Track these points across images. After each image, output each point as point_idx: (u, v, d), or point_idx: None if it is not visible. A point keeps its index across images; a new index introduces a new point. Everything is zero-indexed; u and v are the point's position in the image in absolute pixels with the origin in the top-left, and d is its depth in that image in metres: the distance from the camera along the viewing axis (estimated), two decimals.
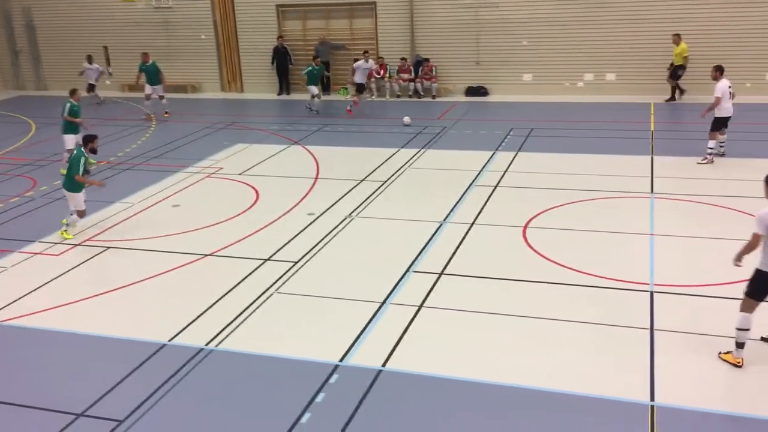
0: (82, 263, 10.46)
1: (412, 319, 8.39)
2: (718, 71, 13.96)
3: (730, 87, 13.87)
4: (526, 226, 11.11)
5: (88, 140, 11.57)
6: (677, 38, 19.79)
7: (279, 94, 24.03)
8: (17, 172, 15.34)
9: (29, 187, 14.26)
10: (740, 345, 7.09)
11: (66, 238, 11.28)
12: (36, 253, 10.85)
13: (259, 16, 23.90)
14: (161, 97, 20.94)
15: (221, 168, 15.14)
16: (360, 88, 20.28)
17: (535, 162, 14.75)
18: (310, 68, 20.54)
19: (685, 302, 8.55)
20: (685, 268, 9.41)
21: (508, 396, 6.90)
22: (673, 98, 20.27)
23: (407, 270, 9.71)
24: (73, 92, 14.96)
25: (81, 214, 11.51)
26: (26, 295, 9.43)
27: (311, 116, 20.40)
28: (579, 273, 9.40)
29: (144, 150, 16.96)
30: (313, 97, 20.62)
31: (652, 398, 6.72)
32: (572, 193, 12.52)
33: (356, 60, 20.60)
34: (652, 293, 8.76)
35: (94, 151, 11.60)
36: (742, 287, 7.46)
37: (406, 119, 18.28)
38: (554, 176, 13.63)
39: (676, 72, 19.99)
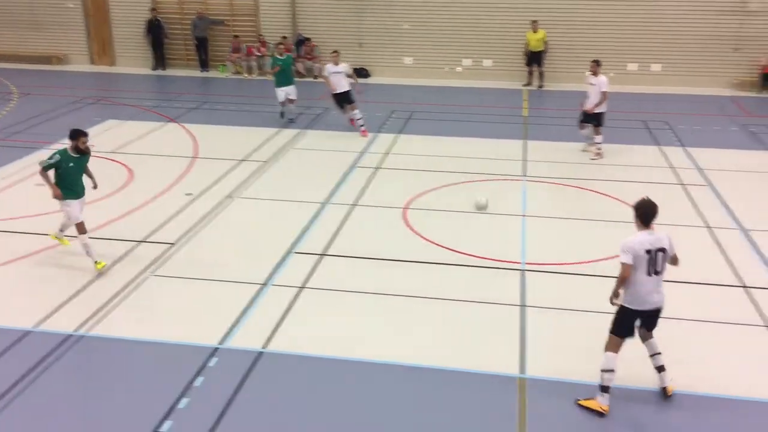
0: None
1: (294, 301, 8.37)
2: (598, 65, 13.90)
3: None
4: (406, 208, 11.32)
5: (77, 135, 8.96)
6: (536, 25, 20.65)
7: (154, 69, 23.05)
8: None
9: None
10: (605, 389, 6.55)
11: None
12: None
13: None
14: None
15: (92, 145, 14.31)
16: (344, 100, 15.27)
17: (416, 145, 15.01)
18: (273, 59, 15.94)
19: (554, 280, 9.03)
20: (553, 248, 9.92)
21: (388, 373, 7.05)
22: (541, 85, 21.16)
23: (288, 251, 9.66)
24: None
25: (66, 226, 9.31)
26: None
27: (190, 93, 19.73)
28: (456, 253, 9.70)
29: (4, 125, 15.82)
30: (288, 101, 15.87)
31: (522, 371, 7.08)
32: (451, 176, 12.86)
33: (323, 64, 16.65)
34: (523, 271, 9.19)
35: (81, 152, 9.01)
36: (607, 264, 7.94)
37: (482, 201, 10.66)
38: (434, 159, 13.94)
39: (540, 57, 20.85)
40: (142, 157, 13.73)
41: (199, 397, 6.60)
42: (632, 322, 6.58)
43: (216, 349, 7.36)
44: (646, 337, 6.76)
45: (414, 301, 8.44)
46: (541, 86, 21.13)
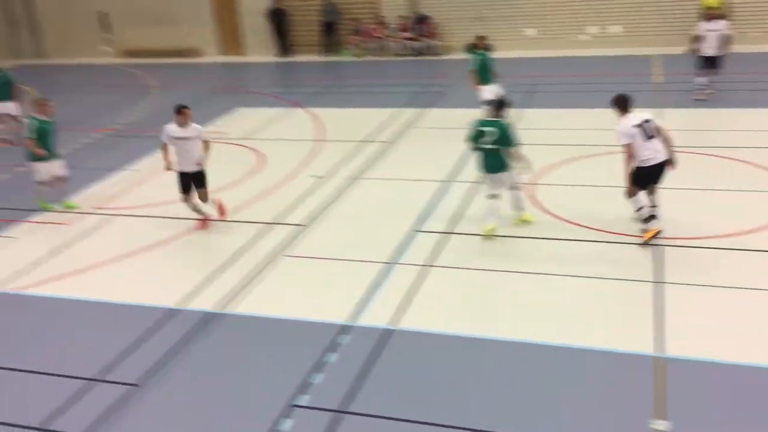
0: (93, 231, 10.50)
1: (421, 279, 8.43)
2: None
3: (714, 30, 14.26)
4: (532, 183, 11.07)
5: None
6: None
7: (279, 56, 23.78)
8: (21, 142, 15.28)
9: None
10: (648, 219, 8.62)
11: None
12: (45, 222, 10.90)
13: None
14: (15, 118, 14.83)
15: (224, 133, 15.07)
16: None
17: (541, 118, 14.62)
18: (475, 54, 13.84)
19: (690, 255, 8.54)
20: (688, 220, 9.38)
21: (520, 351, 6.95)
22: None
23: (414, 230, 9.72)
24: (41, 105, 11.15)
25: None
26: (40, 263, 9.49)
27: (315, 78, 20.18)
28: (584, 228, 9.39)
29: (146, 117, 16.90)
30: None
31: (659, 350, 6.77)
32: (578, 149, 12.44)
33: None
34: (656, 246, 8.76)
35: None
36: (750, 238, 7.45)
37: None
38: (560, 132, 13.54)
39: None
40: (271, 142, 14.25)
41: (332, 372, 6.81)
42: (646, 176, 8.55)
43: (347, 326, 7.55)
44: (653, 191, 8.84)
45: (543, 278, 8.26)
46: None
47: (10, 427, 6.38)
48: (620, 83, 16.99)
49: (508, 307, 7.76)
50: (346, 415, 6.20)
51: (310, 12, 23.36)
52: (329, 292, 8.34)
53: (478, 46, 13.86)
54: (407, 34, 22.38)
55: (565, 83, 17.47)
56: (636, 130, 8.33)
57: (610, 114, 14.29)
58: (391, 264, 8.83)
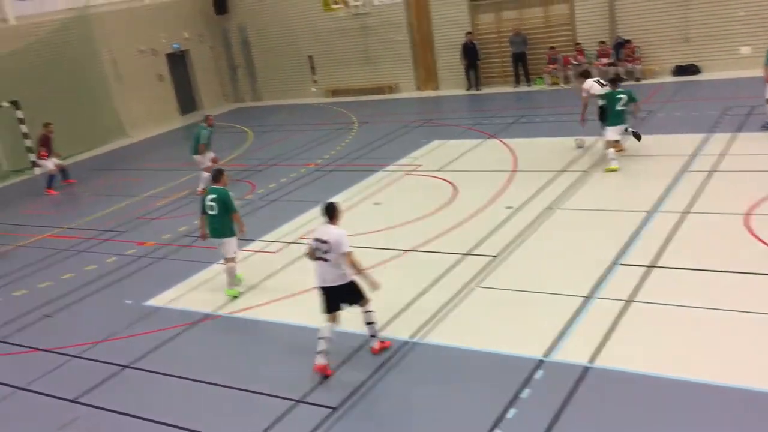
0: (295, 260, 11.19)
1: (621, 315, 7.98)
2: None
3: None
4: (748, 214, 10.12)
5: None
6: None
7: (468, 89, 23.93)
8: (238, 177, 16.76)
9: (249, 190, 15.53)
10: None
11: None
12: (256, 251, 11.79)
13: (452, 13, 24.01)
14: (215, 160, 15.77)
15: (419, 165, 15.44)
16: None
17: (758, 143, 13.36)
18: None
19: None
20: None
21: (728, 397, 6.33)
22: None
23: (614, 262, 9.26)
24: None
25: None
26: (250, 289, 10.27)
27: (508, 108, 20.14)
28: None
29: (347, 151, 17.79)
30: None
31: None
32: None
33: None
34: None
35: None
36: None
37: None
38: None
39: None
40: (465, 173, 14.35)
41: (526, 408, 6.63)
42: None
43: (541, 361, 7.33)
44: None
45: (757, 318, 7.47)
46: None
47: None
48: None
49: (717, 349, 7.09)
50: None
51: (502, 44, 23.41)
52: (523, 325, 8.16)
53: None
54: (606, 60, 21.60)
55: None
56: (599, 88, 13.52)
57: None
58: (589, 298, 8.46)
